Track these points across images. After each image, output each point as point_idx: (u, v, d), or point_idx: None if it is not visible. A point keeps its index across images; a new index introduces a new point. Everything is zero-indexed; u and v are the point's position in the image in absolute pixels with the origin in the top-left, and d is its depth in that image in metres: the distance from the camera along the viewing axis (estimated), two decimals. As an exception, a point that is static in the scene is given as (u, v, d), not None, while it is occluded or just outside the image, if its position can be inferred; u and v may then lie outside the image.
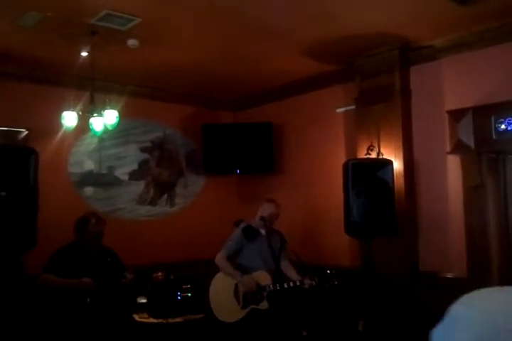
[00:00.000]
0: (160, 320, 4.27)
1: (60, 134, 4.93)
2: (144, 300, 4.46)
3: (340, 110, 5.13)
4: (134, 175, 5.69)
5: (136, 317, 4.30)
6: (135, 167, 5.72)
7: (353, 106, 4.89)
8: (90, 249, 3.99)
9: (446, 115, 4.23)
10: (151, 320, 4.30)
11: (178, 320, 4.32)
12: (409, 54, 4.50)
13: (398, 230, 4.04)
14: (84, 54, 4.42)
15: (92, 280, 3.74)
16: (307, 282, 3.85)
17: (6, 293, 3.53)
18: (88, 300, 3.71)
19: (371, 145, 4.56)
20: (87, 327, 3.67)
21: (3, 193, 3.11)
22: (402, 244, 4.32)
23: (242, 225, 4.27)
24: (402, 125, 4.46)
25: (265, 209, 4.24)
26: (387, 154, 4.45)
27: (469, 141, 4.04)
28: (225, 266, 4.10)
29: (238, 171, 5.94)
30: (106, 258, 4.02)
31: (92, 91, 4.32)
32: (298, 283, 3.89)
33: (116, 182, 5.55)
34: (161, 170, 5.91)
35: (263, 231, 4.23)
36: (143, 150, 5.80)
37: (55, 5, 3.59)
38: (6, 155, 3.25)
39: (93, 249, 3.99)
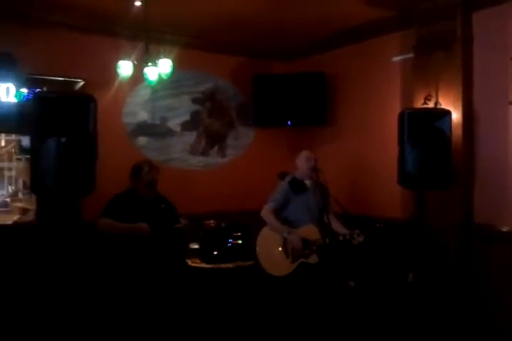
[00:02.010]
0: (211, 266, 4.40)
1: (115, 84, 5.01)
2: (196, 246, 4.60)
3: (397, 59, 4.94)
4: (186, 126, 5.76)
5: (189, 262, 4.45)
6: (187, 118, 5.77)
7: (410, 55, 4.69)
8: (145, 195, 4.10)
9: (511, 62, 4.01)
10: (203, 265, 4.45)
11: (228, 265, 4.45)
12: (472, -2, 4.25)
13: (454, 182, 3.94)
14: (138, 3, 4.40)
15: (147, 224, 3.88)
16: (357, 238, 3.82)
17: (64, 236, 3.70)
18: (144, 242, 3.85)
19: (429, 95, 4.40)
20: (142, 270, 3.84)
21: (64, 139, 3.20)
22: (457, 196, 4.21)
23: (288, 178, 4.24)
24: (462, 73, 4.25)
25: (301, 157, 4.21)
26: (445, 104, 4.28)
27: (534, 89, 3.84)
28: (271, 221, 4.09)
29: (289, 123, 5.89)
30: (160, 204, 4.14)
31: (147, 42, 4.32)
32: (348, 237, 3.87)
33: (169, 132, 5.64)
34: (212, 121, 5.95)
35: (308, 183, 4.20)
36: (194, 101, 5.83)
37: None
38: (66, 103, 3.31)
39: (148, 196, 4.11)
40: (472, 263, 4.18)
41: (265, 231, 4.15)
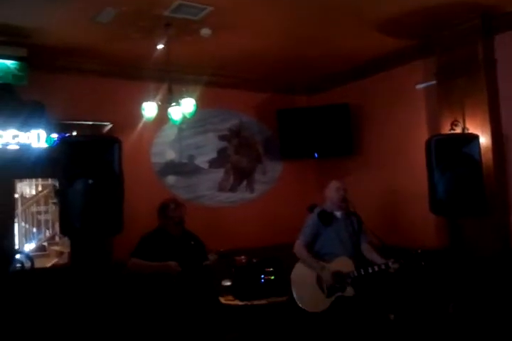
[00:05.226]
0: (245, 302, 4.34)
1: (141, 126, 5.11)
2: (228, 283, 4.56)
3: (420, 86, 4.93)
4: (213, 163, 5.82)
5: (221, 299, 4.39)
6: (214, 155, 5.84)
7: (434, 82, 4.67)
8: (173, 233, 4.11)
9: (537, 83, 3.95)
10: (236, 302, 4.38)
11: (262, 302, 4.37)
12: (493, 21, 4.22)
13: (488, 208, 3.81)
14: (160, 46, 4.53)
15: (177, 263, 3.86)
16: (392, 266, 3.71)
17: (96, 278, 3.70)
18: (175, 280, 3.83)
19: (455, 121, 4.34)
20: (174, 309, 3.79)
21: (91, 181, 3.25)
22: (492, 222, 4.08)
23: (316, 210, 4.17)
24: (487, 98, 4.21)
25: (331, 188, 4.14)
26: (472, 129, 4.21)
27: None
28: (304, 256, 4.01)
29: (316, 155, 5.88)
30: (189, 241, 4.13)
31: (170, 83, 4.42)
32: (383, 267, 3.75)
33: (197, 170, 5.70)
34: (239, 157, 6.00)
35: (338, 214, 4.11)
36: (221, 138, 5.91)
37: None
38: (92, 145, 3.39)
39: (176, 234, 4.11)
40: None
41: (299, 267, 4.07)
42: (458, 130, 4.33)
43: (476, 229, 4.10)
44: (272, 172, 6.17)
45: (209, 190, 5.74)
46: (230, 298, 4.46)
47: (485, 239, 4.10)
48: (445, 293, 4.22)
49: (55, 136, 4.74)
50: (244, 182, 5.99)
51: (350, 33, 4.55)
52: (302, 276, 4.01)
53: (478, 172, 3.81)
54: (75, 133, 4.87)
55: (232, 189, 5.89)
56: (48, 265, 6.27)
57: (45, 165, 4.65)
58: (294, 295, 3.98)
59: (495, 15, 4.18)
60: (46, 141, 4.67)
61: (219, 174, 5.84)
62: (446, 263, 4.15)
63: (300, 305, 3.93)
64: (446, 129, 4.42)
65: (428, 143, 3.87)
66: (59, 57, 4.80)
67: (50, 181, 7.62)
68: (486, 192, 3.82)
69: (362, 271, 3.81)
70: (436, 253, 4.23)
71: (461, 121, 4.34)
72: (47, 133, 4.69)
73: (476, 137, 3.92)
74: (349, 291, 3.83)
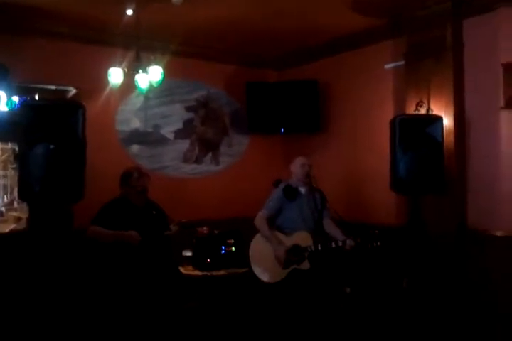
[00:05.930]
0: (204, 273, 4.39)
1: (107, 92, 5.01)
2: (189, 254, 4.59)
3: (388, 66, 4.97)
4: (179, 134, 5.76)
5: (181, 269, 4.43)
6: (180, 125, 5.78)
7: (402, 62, 4.71)
8: (136, 203, 4.07)
9: (501, 68, 4.02)
10: (196, 272, 4.43)
11: (221, 273, 4.43)
12: (463, 6, 4.25)
13: (446, 187, 3.93)
14: (129, 12, 4.40)
15: (138, 232, 3.85)
16: (349, 243, 3.81)
17: (55, 244, 3.67)
18: (135, 250, 3.83)
19: (420, 102, 4.41)
20: (133, 278, 3.80)
21: (52, 146, 3.19)
22: (450, 202, 4.21)
23: (281, 185, 4.21)
24: (453, 80, 4.27)
25: (296, 163, 4.18)
26: (437, 110, 4.30)
27: (525, 95, 3.85)
28: (263, 229, 4.05)
29: (282, 130, 5.90)
30: (151, 211, 4.11)
31: (138, 50, 4.34)
32: (340, 244, 3.85)
33: (162, 140, 5.64)
34: (205, 128, 5.95)
35: (303, 190, 4.17)
36: (188, 109, 5.84)
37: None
38: (55, 110, 3.31)
39: (138, 203, 4.08)
40: (467, 269, 4.16)
41: (258, 238, 4.13)
42: (422, 111, 4.40)
43: (434, 208, 4.22)
44: (238, 145, 6.16)
45: (173, 160, 5.70)
46: (190, 268, 4.51)
47: (442, 218, 4.22)
48: (400, 269, 4.36)
49: (16, 99, 4.61)
50: (210, 154, 5.97)
51: (324, 8, 4.52)
52: (260, 247, 4.07)
53: (439, 153, 3.92)
54: (37, 97, 4.74)
55: (197, 160, 5.87)
56: (6, 230, 6.14)
57: (5, 129, 4.52)
58: (252, 265, 4.05)
59: (465, 0, 4.22)
60: (7, 104, 4.54)
61: (184, 145, 5.79)
62: (403, 240, 4.28)
63: (257, 275, 4.01)
64: (411, 110, 4.50)
65: (392, 123, 3.96)
66: (24, 18, 4.61)
67: (9, 145, 7.41)
68: (445, 171, 3.94)
69: (319, 246, 3.89)
70: (395, 231, 4.36)
71: (426, 102, 4.41)
72: (8, 96, 4.55)
73: (439, 118, 4.01)
74: (305, 265, 3.92)
